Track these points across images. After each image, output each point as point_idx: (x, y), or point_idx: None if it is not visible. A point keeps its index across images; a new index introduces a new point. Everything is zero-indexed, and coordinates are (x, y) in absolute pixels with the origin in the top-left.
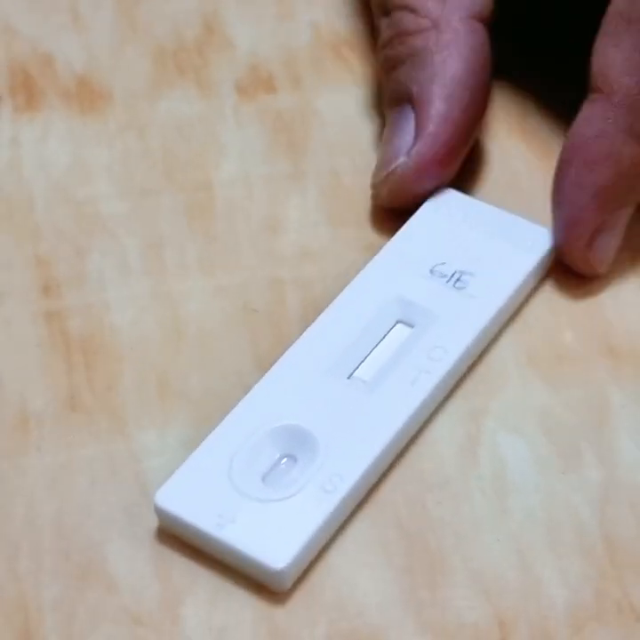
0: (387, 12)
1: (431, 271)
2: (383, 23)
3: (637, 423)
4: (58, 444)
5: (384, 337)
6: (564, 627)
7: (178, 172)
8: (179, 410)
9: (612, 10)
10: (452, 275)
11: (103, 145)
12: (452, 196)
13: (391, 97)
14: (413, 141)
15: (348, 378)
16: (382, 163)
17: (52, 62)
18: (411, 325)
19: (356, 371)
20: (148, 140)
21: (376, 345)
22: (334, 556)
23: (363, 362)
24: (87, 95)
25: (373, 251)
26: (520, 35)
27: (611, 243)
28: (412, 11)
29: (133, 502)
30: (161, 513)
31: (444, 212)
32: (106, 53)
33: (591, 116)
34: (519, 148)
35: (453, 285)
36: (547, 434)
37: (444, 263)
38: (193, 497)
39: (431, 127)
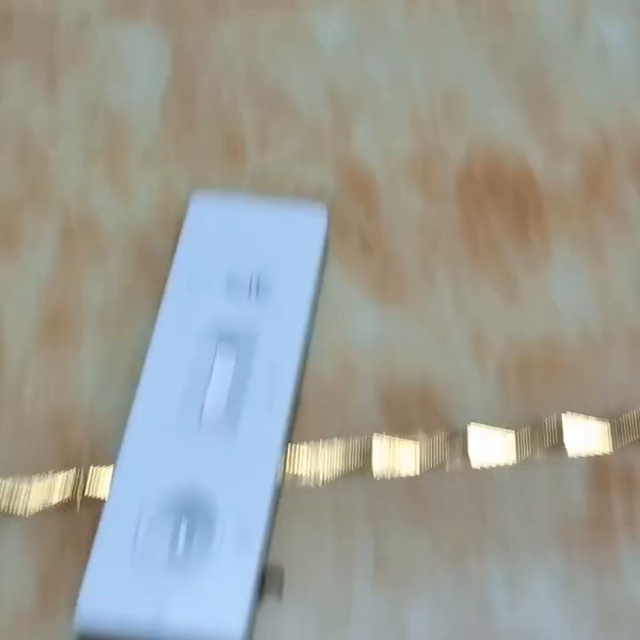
0: None
1: (228, 283)
2: None
3: None
4: None
5: (211, 375)
6: None
7: None
8: None
9: None
10: (250, 283)
11: None
12: (211, 203)
13: None
14: None
15: (199, 427)
16: None
17: None
18: (233, 341)
19: (204, 415)
20: None
21: (207, 385)
22: None
23: (206, 406)
24: None
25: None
26: None
27: None
28: None
29: None
30: (85, 630)
31: (212, 220)
32: None
33: None
34: None
35: (256, 296)
36: None
37: (237, 274)
38: (114, 604)
39: None
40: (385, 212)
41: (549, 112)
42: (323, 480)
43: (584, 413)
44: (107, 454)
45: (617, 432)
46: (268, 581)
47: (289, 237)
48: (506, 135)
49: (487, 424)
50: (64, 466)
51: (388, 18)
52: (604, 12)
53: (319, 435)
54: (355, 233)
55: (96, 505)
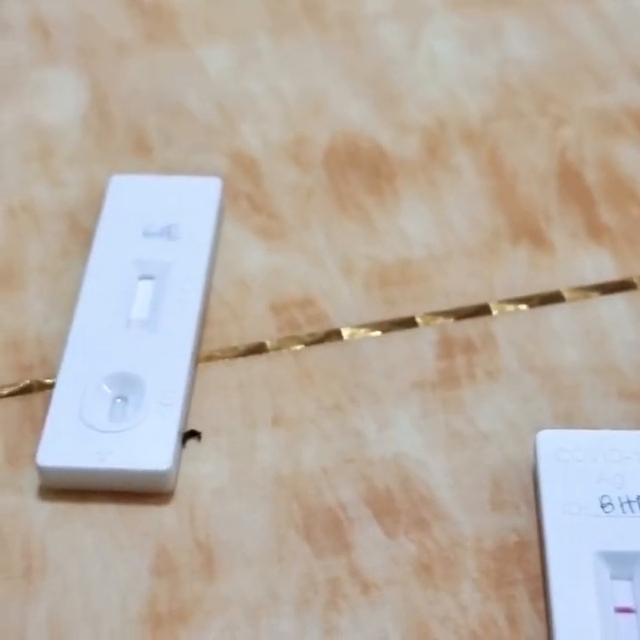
0: None
1: (145, 233)
2: None
3: None
4: None
5: (136, 295)
6: None
7: None
8: None
9: None
10: (162, 232)
11: None
12: (127, 180)
13: None
14: None
15: (128, 328)
16: None
17: None
18: (151, 278)
19: (133, 316)
20: None
21: (133, 302)
22: None
23: (135, 310)
24: None
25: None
26: None
27: None
28: None
29: None
30: (45, 470)
31: (128, 191)
32: None
33: None
34: None
35: (167, 241)
36: None
37: (151, 226)
38: (68, 449)
39: None
40: (267, 181)
41: (394, 106)
42: (227, 359)
43: (432, 310)
44: (53, 369)
45: (460, 317)
46: (186, 435)
47: (192, 198)
48: (360, 124)
49: (357, 324)
50: (19, 378)
51: (260, 48)
52: (434, 34)
53: (224, 337)
54: (244, 199)
55: (47, 394)
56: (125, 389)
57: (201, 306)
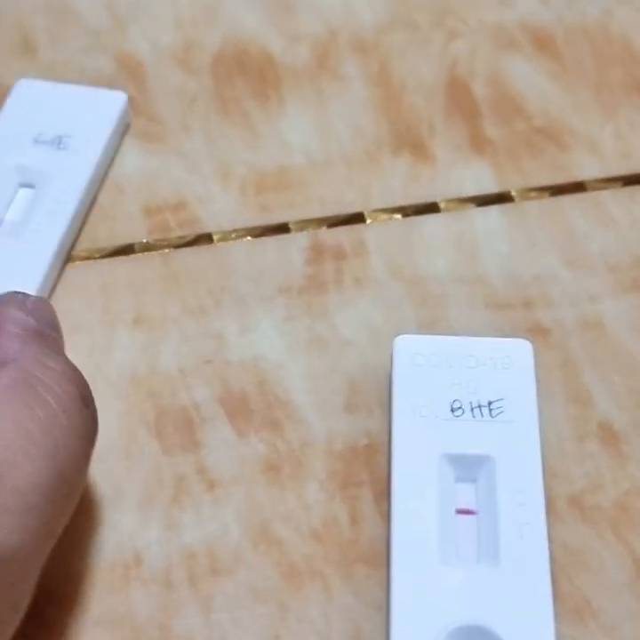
0: None
1: (35, 141)
2: None
3: None
4: None
5: (12, 202)
6: None
7: None
8: None
9: None
10: (54, 140)
11: None
12: (31, 84)
13: None
14: None
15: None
16: None
17: None
18: (32, 186)
19: (6, 218)
20: None
21: (9, 205)
22: None
23: (8, 215)
24: None
25: None
26: None
27: None
28: None
29: None
30: None
31: (30, 99)
32: None
33: None
34: None
35: (57, 148)
36: None
37: (43, 134)
38: None
39: None
40: (151, 85)
41: (288, 15)
42: (93, 260)
43: (306, 217)
44: None
45: (333, 225)
46: None
47: (93, 111)
48: (252, 32)
49: (229, 229)
50: None
51: None
52: None
53: (93, 239)
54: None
55: None
56: None
57: (74, 214)
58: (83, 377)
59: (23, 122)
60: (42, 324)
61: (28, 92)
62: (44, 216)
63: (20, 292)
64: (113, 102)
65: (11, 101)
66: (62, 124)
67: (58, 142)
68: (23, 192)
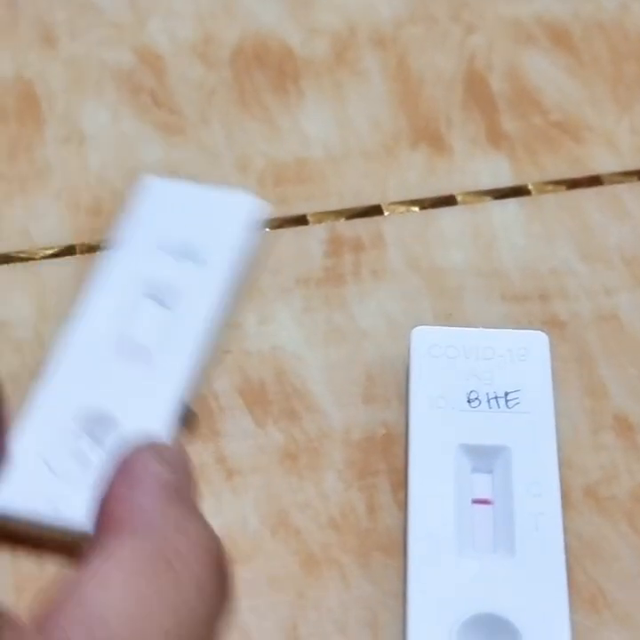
0: None
1: (162, 248)
2: None
3: None
4: None
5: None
6: None
7: None
8: None
9: None
10: (182, 250)
11: None
12: (159, 184)
13: None
14: None
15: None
16: None
17: None
18: (164, 305)
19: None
20: None
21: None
22: None
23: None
24: None
25: None
26: None
27: None
28: None
29: None
30: None
31: (157, 199)
32: None
33: None
34: None
35: (186, 258)
36: None
37: (174, 242)
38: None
39: None
40: (170, 78)
41: (306, 9)
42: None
43: (325, 209)
44: None
45: (351, 217)
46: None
47: (221, 216)
48: (271, 26)
49: None
50: None
51: None
52: None
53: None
54: (147, 94)
55: None
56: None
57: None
58: (219, 540)
59: (148, 226)
60: (180, 479)
61: (155, 191)
62: (177, 339)
63: (157, 441)
64: (244, 206)
65: (138, 203)
66: (191, 231)
67: (186, 252)
68: (151, 306)
